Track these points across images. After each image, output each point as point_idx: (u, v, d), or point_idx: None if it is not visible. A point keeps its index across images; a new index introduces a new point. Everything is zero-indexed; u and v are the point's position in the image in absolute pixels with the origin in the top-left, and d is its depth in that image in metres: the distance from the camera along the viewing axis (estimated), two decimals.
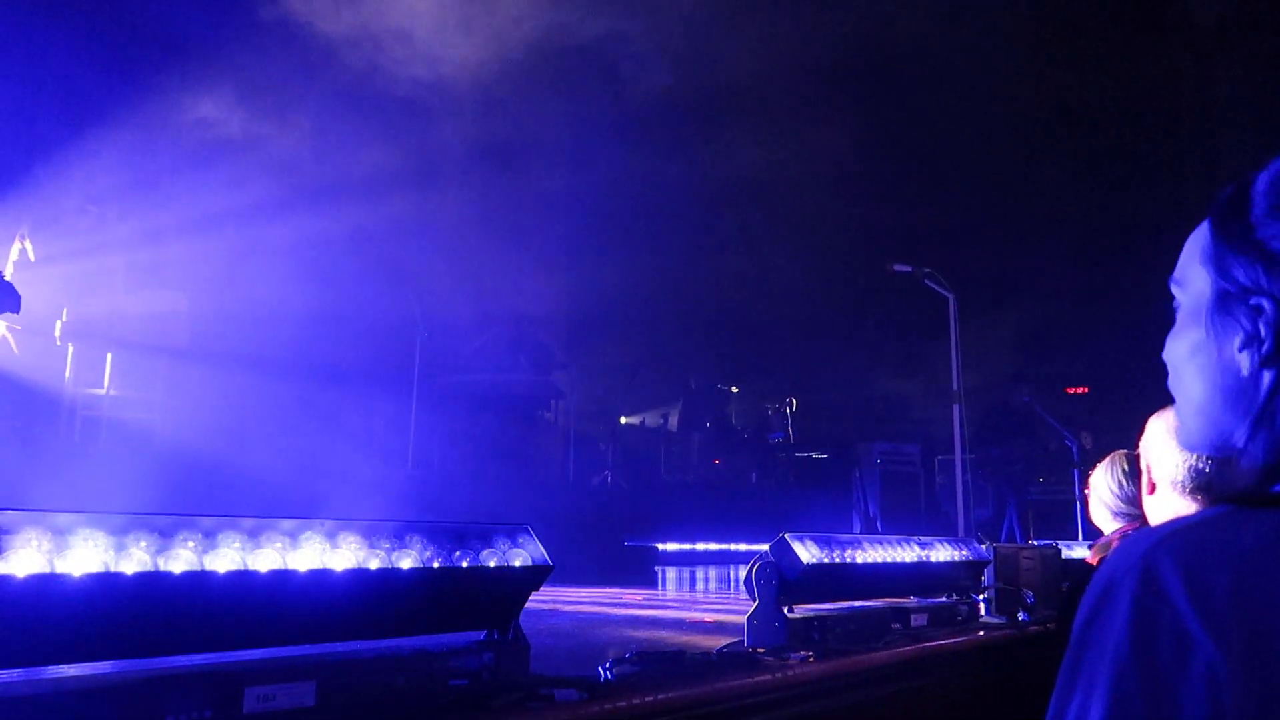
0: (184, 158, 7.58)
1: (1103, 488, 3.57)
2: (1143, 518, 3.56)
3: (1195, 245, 0.92)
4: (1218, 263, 0.86)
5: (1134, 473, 3.59)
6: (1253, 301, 0.82)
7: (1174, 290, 0.95)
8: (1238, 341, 0.83)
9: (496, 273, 9.68)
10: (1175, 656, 0.66)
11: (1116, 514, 3.62)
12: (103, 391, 7.15)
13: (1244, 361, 0.83)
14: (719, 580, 8.10)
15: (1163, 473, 2.26)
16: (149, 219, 7.39)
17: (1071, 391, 13.12)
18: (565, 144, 10.98)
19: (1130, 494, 3.52)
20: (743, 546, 8.97)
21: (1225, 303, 0.85)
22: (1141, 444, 2.41)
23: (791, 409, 11.86)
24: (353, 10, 8.19)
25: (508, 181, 10.12)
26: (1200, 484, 2.15)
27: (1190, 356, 0.90)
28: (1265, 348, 0.81)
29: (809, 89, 10.74)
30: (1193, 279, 0.90)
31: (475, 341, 9.65)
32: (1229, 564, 0.67)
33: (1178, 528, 0.73)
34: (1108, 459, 3.72)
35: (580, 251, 10.93)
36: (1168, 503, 2.25)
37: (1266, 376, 0.81)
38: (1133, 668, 0.67)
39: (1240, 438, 0.83)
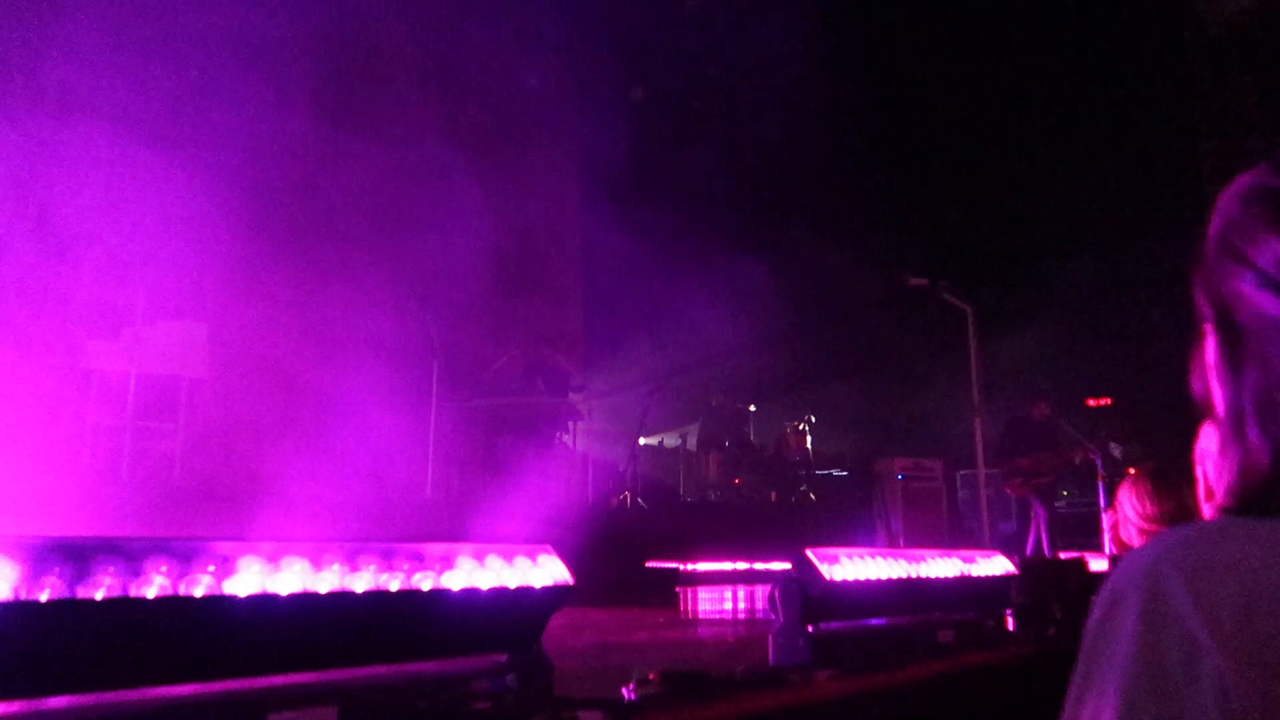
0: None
1: (1127, 505, 3.53)
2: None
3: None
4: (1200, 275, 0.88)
5: (1157, 489, 3.55)
6: None
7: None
8: None
9: (513, 296, 9.72)
10: (1183, 665, 0.66)
11: (1142, 531, 3.58)
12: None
13: None
14: (742, 600, 8.04)
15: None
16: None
17: (1093, 404, 12.99)
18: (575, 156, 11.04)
19: (1151, 512, 3.48)
20: (764, 565, 8.90)
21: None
22: (1198, 450, 2.38)
23: (810, 424, 11.79)
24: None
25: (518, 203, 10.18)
26: None
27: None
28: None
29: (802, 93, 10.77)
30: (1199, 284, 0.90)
31: (492, 365, 9.67)
32: (1235, 573, 0.68)
33: (1182, 538, 0.73)
34: (1131, 476, 3.68)
35: (596, 276, 10.98)
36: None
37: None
38: (1141, 676, 0.68)
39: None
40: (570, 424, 10.00)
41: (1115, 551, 4.01)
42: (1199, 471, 2.37)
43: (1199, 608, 0.67)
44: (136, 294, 7.37)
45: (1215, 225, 0.86)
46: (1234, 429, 0.82)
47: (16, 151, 6.47)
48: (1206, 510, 2.35)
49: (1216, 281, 0.84)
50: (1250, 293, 0.80)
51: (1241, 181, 0.84)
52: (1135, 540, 3.62)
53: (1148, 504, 3.55)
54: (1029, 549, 9.62)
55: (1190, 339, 0.94)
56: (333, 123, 8.40)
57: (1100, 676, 0.70)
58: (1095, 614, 0.74)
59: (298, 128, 7.79)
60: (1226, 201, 0.85)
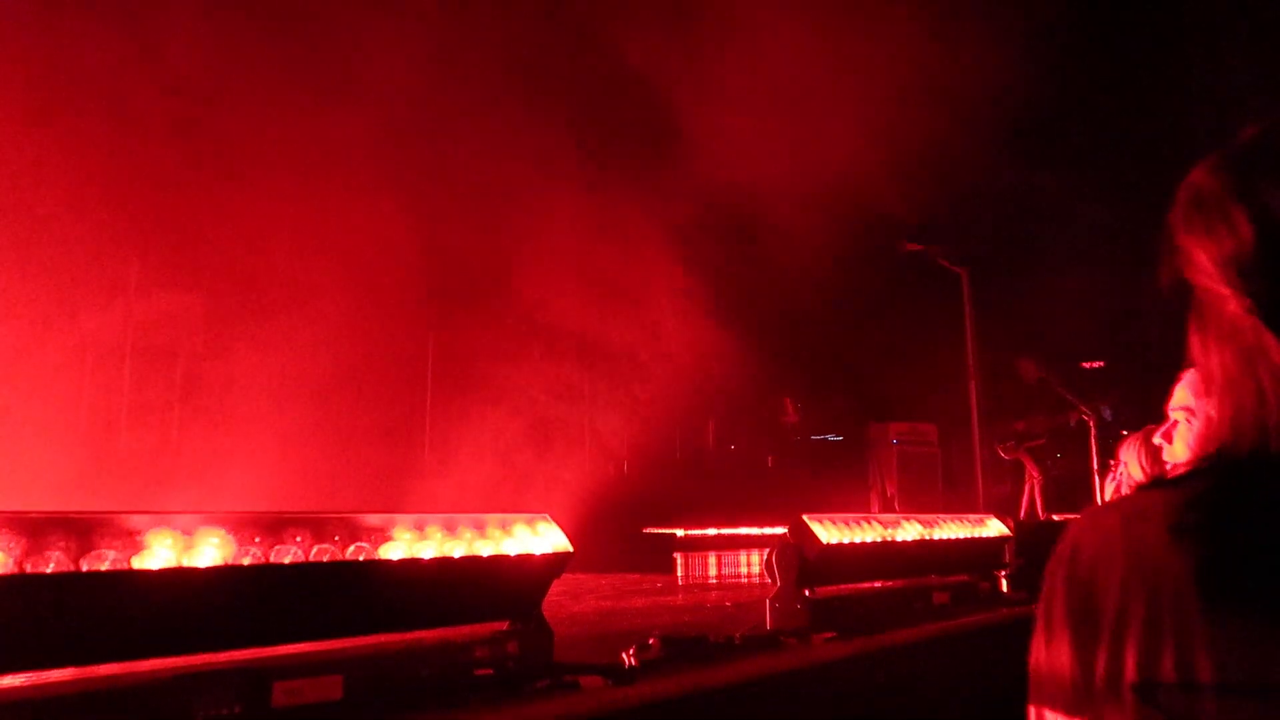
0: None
1: (1133, 464, 3.56)
2: None
3: None
4: None
5: (1153, 453, 3.58)
6: None
7: None
8: None
9: (512, 261, 9.68)
10: (1086, 616, 0.76)
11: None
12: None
13: None
14: (739, 565, 8.11)
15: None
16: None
17: (1087, 366, 13.02)
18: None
19: (1150, 474, 3.51)
20: (761, 530, 8.97)
21: None
22: (1183, 405, 2.40)
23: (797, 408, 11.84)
24: None
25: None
26: None
27: None
28: None
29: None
30: None
31: (490, 333, 9.66)
32: (1122, 542, 0.77)
33: (1101, 506, 0.85)
34: (1134, 437, 3.70)
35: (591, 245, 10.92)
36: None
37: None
38: (1060, 628, 0.78)
39: None
40: (568, 392, 10.01)
41: None
42: (1188, 422, 2.39)
43: (1098, 565, 0.76)
44: (131, 265, 7.34)
45: (1171, 213, 0.90)
46: (1207, 396, 0.88)
47: (6, 120, 6.41)
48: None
49: (1179, 269, 0.88)
50: (1202, 284, 0.85)
51: (1191, 175, 0.88)
52: None
53: (1146, 466, 3.58)
54: (1023, 511, 9.69)
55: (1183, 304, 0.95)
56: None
57: (1038, 630, 0.80)
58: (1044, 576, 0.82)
59: (292, 96, 7.72)
60: (1179, 191, 0.89)
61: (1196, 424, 2.43)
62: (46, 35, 6.77)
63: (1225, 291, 0.83)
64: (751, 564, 7.78)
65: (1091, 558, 0.78)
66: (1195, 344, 0.90)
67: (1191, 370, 2.44)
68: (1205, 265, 0.84)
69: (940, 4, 11.71)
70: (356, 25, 8.20)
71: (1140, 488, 0.84)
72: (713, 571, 7.80)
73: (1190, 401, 3.13)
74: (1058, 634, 0.78)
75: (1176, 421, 2.97)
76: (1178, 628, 0.71)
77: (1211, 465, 0.81)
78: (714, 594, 5.32)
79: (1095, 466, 8.70)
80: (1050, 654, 0.79)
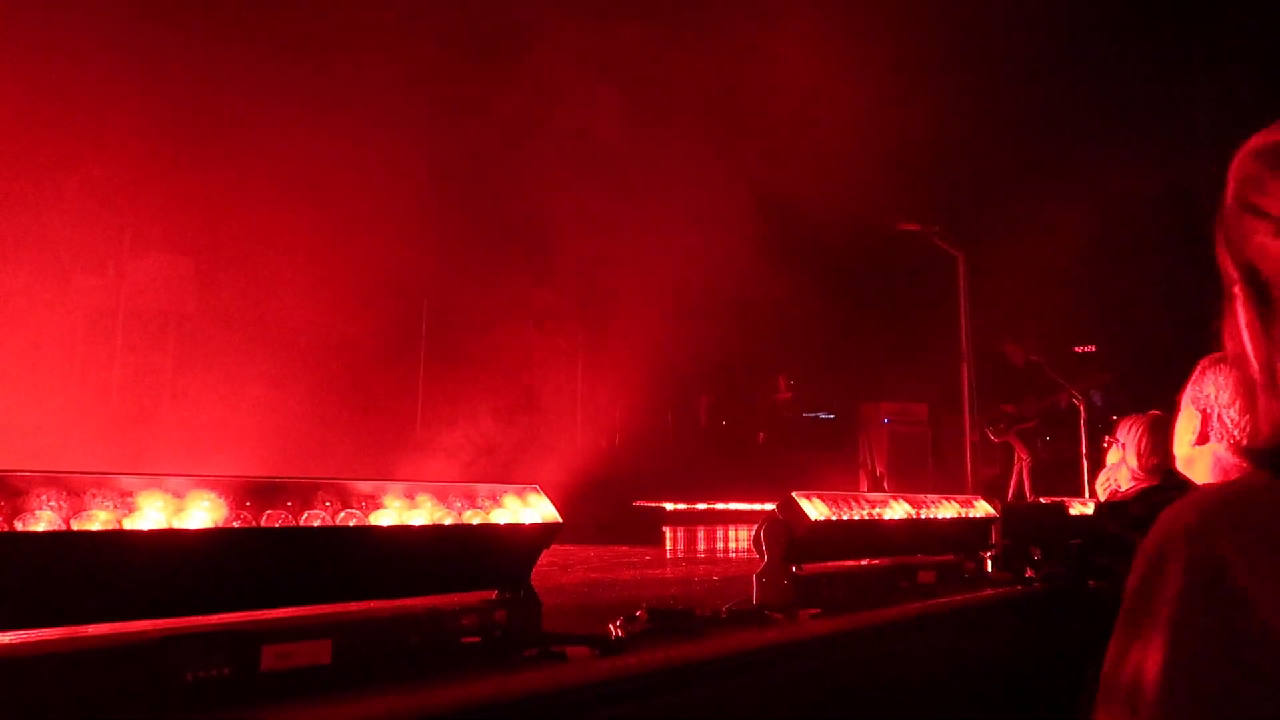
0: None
1: (1130, 450, 3.57)
2: (1162, 480, 3.58)
3: None
4: None
5: (1154, 441, 3.60)
6: None
7: None
8: None
9: (507, 236, 9.65)
10: (1231, 622, 0.68)
11: (1134, 477, 3.64)
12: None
13: None
14: (726, 540, 8.16)
15: (1227, 427, 2.24)
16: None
17: (1080, 350, 13.06)
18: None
19: (1147, 464, 3.53)
20: (751, 506, 9.02)
21: None
22: (1201, 391, 2.38)
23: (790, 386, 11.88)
24: None
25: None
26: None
27: None
28: None
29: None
30: None
31: (482, 302, 9.65)
32: (1276, 533, 0.70)
33: (1223, 498, 0.76)
34: (1136, 421, 3.71)
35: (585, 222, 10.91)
36: (1216, 457, 2.23)
37: None
38: (1192, 625, 0.70)
39: None
40: (561, 364, 10.03)
41: (1106, 497, 4.04)
42: (1201, 411, 2.39)
43: (1248, 564, 0.69)
44: (123, 228, 7.30)
45: (1232, 186, 0.87)
46: (1267, 382, 0.82)
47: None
48: (1218, 453, 2.37)
49: (1238, 241, 0.85)
50: (1270, 243, 0.81)
51: (1254, 140, 0.86)
52: (1123, 484, 3.66)
53: (1145, 454, 3.59)
54: (1011, 494, 9.76)
55: (1218, 295, 0.93)
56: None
57: (1146, 634, 0.72)
58: (1140, 568, 0.76)
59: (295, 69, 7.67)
60: (1240, 161, 0.86)
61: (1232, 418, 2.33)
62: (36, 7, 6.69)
63: None
64: (740, 539, 7.84)
65: (1235, 546, 0.70)
66: (1246, 329, 0.85)
67: (1208, 367, 2.40)
68: None
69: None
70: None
71: (1263, 471, 0.77)
72: (702, 546, 7.85)
73: (1223, 397, 3.10)
74: (1180, 642, 0.70)
75: (1209, 415, 2.91)
76: None
77: None
78: (702, 568, 5.36)
79: (1084, 450, 8.75)
80: (1168, 664, 0.70)
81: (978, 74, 12.50)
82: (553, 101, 10.44)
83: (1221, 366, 2.31)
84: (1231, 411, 2.26)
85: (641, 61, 10.32)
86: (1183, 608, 0.71)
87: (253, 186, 7.16)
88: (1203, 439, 2.34)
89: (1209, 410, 2.33)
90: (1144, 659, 0.71)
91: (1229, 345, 0.88)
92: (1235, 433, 2.23)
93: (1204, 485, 0.84)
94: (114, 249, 7.36)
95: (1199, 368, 2.39)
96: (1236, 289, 0.85)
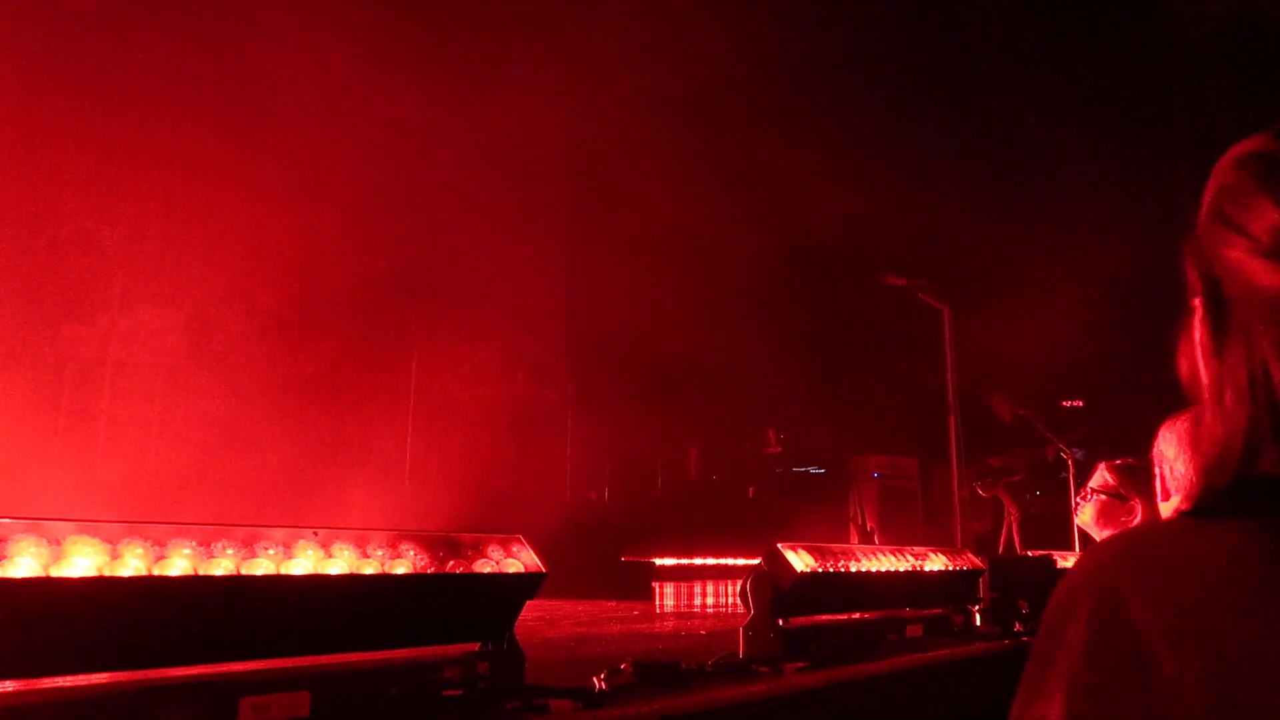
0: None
1: (1180, 461, 3.54)
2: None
3: None
4: None
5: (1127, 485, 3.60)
6: None
7: None
8: None
9: (493, 288, 9.71)
10: (1134, 669, 0.66)
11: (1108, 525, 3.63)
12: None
13: None
14: (716, 594, 8.09)
15: (1177, 481, 2.26)
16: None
17: (1067, 404, 13.12)
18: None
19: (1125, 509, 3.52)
20: (740, 561, 8.95)
21: None
22: (1156, 449, 2.41)
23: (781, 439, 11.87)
24: None
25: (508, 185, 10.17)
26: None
27: None
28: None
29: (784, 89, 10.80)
30: None
31: (473, 356, 9.67)
32: (1189, 575, 0.67)
33: (1138, 538, 0.73)
34: (1179, 423, 3.69)
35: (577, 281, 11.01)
36: (1175, 510, 2.26)
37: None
38: (1088, 680, 0.67)
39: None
40: (550, 416, 10.01)
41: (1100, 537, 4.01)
42: (1156, 471, 2.42)
43: (1151, 610, 0.66)
44: (114, 280, 7.32)
45: (1209, 192, 0.82)
46: (1215, 405, 0.79)
47: None
48: (1163, 510, 2.40)
49: (1208, 251, 0.80)
50: (1242, 261, 0.77)
51: (1238, 147, 0.81)
52: (1095, 533, 3.65)
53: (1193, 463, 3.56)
54: (1001, 547, 9.72)
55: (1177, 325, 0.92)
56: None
57: (1049, 680, 0.69)
58: (1047, 615, 0.73)
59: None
60: (1222, 168, 0.82)
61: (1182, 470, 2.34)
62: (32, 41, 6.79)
63: (1268, 264, 0.74)
64: (730, 594, 7.77)
65: (1140, 596, 0.67)
66: (1198, 346, 0.81)
67: (1164, 425, 2.44)
68: (1265, 229, 0.75)
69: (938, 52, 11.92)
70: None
71: (1182, 515, 0.73)
72: (696, 601, 7.78)
73: (1111, 481, 3.17)
74: (1078, 696, 0.67)
75: (1102, 502, 3.00)
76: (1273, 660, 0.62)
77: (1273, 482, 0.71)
78: (690, 622, 5.31)
79: (1074, 504, 8.74)
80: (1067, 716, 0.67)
81: (964, 130, 12.74)
82: (535, 148, 10.59)
83: (1174, 422, 2.32)
84: (1178, 464, 2.28)
85: (622, 122, 10.50)
86: (1083, 658, 0.68)
87: (240, 237, 7.21)
88: (1164, 495, 2.36)
89: (1161, 467, 2.36)
90: (1046, 712, 0.69)
91: (1182, 364, 0.84)
92: (1179, 485, 2.26)
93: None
94: (103, 300, 7.37)
95: (1160, 428, 2.41)
96: (1196, 303, 0.82)
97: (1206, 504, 0.73)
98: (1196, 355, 0.83)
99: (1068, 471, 8.49)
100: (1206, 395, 0.81)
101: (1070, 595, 0.72)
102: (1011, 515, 9.92)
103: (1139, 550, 0.72)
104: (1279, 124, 0.80)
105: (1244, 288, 0.76)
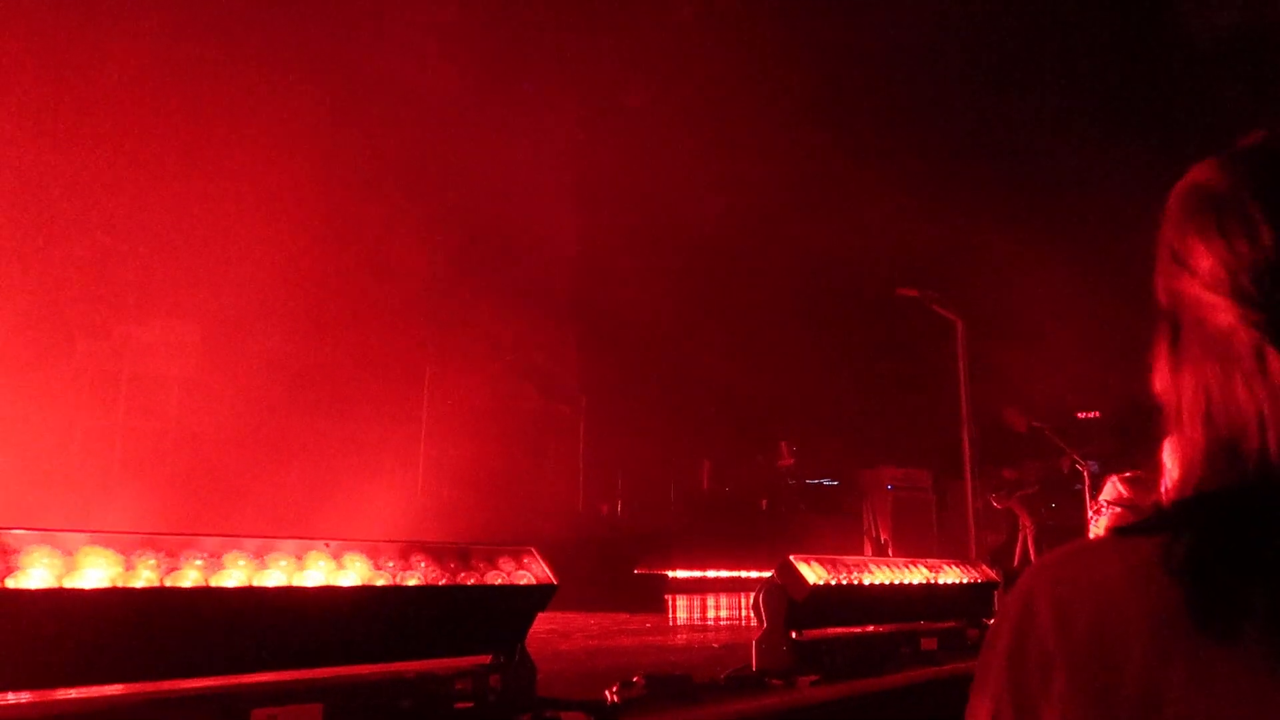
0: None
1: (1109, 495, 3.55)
2: None
3: None
4: None
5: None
6: None
7: None
8: None
9: (505, 301, 9.74)
10: (1040, 684, 0.67)
11: None
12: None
13: None
14: (729, 607, 8.06)
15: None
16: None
17: (1083, 416, 13.03)
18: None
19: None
20: (753, 573, 8.92)
21: None
22: (1162, 461, 2.43)
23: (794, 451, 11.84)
24: None
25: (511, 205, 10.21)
26: None
27: None
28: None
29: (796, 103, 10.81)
30: None
31: (486, 369, 9.69)
32: (1091, 592, 0.69)
33: (1061, 554, 0.75)
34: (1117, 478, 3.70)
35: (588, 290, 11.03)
36: None
37: None
38: (1006, 689, 0.69)
39: None
40: (562, 429, 10.02)
41: None
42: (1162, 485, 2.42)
43: (1057, 626, 0.68)
44: (128, 292, 7.38)
45: (1162, 223, 0.83)
46: (1176, 425, 0.80)
47: (10, 148, 6.49)
48: None
49: (1164, 278, 0.82)
50: (1189, 294, 0.78)
51: (1187, 177, 0.81)
52: None
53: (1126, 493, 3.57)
54: (1016, 560, 9.65)
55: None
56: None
57: (982, 687, 0.71)
58: (990, 629, 0.75)
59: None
60: (1172, 200, 0.82)
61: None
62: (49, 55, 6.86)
63: (1218, 301, 0.75)
64: (743, 606, 7.73)
65: (1050, 610, 0.69)
66: (1163, 368, 0.83)
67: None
68: (1207, 269, 0.76)
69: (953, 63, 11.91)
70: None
71: (1115, 531, 0.75)
72: (709, 614, 7.75)
73: (1124, 493, 3.21)
74: (999, 700, 0.70)
75: (1115, 514, 3.06)
76: (1151, 684, 0.63)
77: (1199, 501, 0.73)
78: (703, 635, 5.28)
79: (1089, 516, 8.67)
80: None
81: (980, 141, 12.71)
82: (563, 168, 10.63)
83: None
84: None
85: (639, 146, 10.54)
86: (1005, 668, 0.70)
87: (256, 251, 7.26)
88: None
89: (1165, 480, 2.37)
90: (977, 717, 0.71)
91: (1155, 382, 0.87)
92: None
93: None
94: (118, 314, 7.42)
95: (1165, 440, 2.44)
96: (1160, 323, 0.83)
97: (1133, 523, 0.75)
98: (1165, 372, 0.85)
99: (1083, 484, 8.43)
100: (1170, 418, 0.82)
101: (1004, 605, 0.74)
102: (1026, 528, 9.85)
103: (1058, 564, 0.73)
104: (1227, 151, 0.80)
105: (1191, 322, 0.78)
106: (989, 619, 3.84)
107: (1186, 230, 0.79)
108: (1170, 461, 0.81)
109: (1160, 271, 0.84)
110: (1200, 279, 0.77)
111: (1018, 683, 0.69)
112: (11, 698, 1.54)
